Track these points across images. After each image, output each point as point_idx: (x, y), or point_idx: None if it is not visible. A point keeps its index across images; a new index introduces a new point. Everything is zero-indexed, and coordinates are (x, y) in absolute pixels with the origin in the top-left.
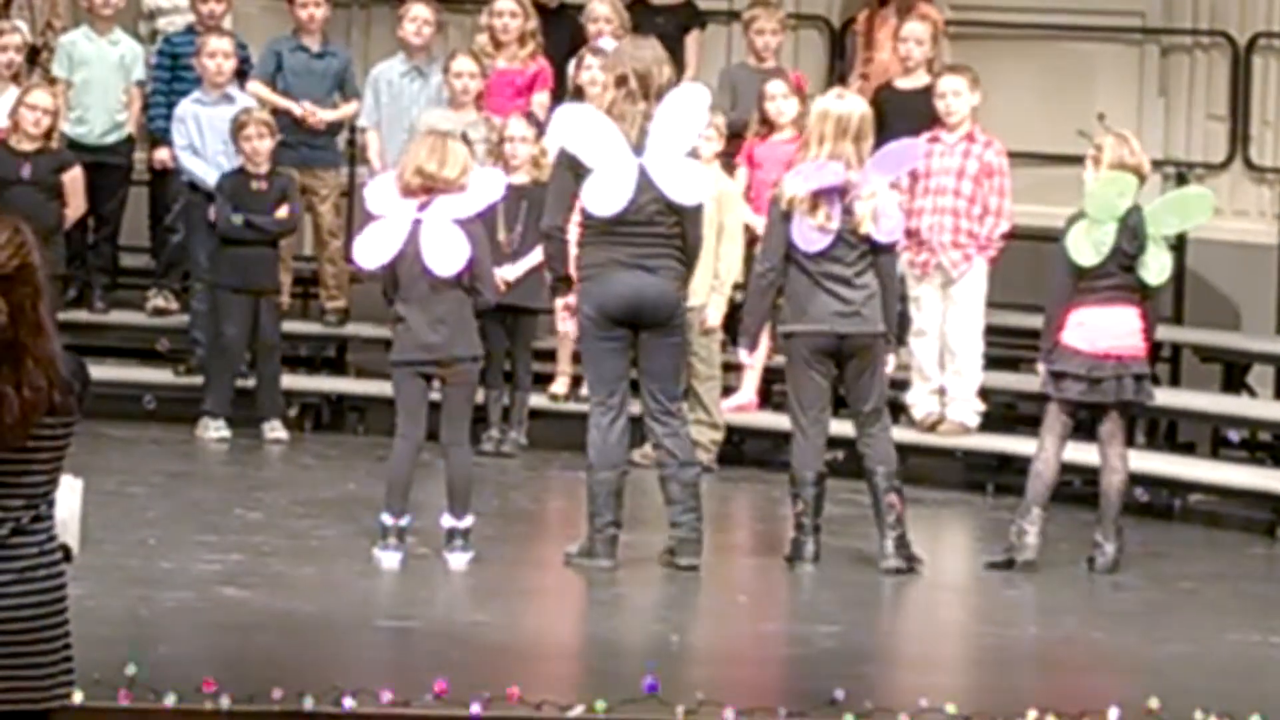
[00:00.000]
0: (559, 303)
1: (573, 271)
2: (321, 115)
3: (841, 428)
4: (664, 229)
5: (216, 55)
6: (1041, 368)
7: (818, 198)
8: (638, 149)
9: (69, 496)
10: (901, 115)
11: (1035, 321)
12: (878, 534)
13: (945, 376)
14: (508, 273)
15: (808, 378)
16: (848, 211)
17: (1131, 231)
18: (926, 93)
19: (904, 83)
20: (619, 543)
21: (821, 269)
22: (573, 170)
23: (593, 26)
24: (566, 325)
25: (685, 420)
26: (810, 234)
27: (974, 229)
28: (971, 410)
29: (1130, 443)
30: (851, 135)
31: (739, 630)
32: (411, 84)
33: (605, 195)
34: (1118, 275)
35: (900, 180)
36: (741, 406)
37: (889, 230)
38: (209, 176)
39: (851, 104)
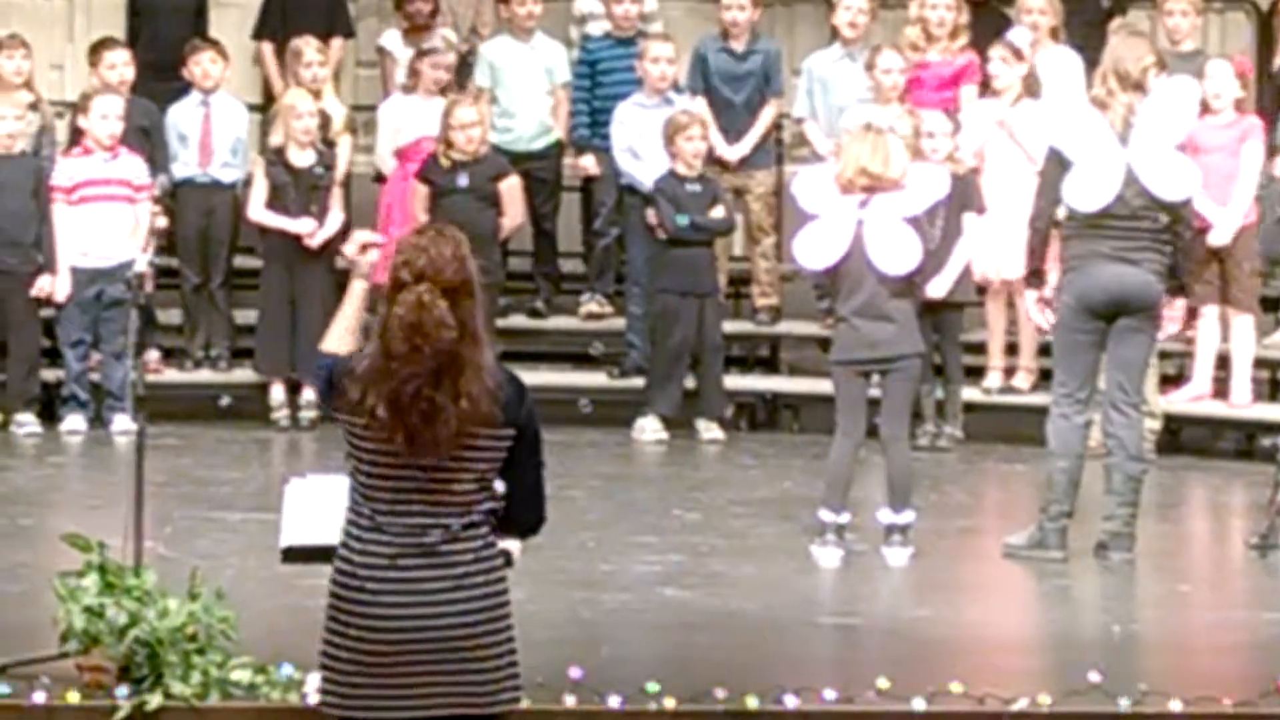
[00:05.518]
0: (1030, 296)
1: (1049, 266)
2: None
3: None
4: (1149, 224)
5: (660, 61)
6: None
7: None
8: (1123, 142)
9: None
10: None
11: None
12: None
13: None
14: (936, 288)
15: None
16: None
17: None
18: None
19: None
20: (1069, 533)
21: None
22: (1060, 164)
23: (1026, 18)
24: (1039, 318)
25: (1143, 415)
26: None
27: None
28: None
29: None
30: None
31: (1182, 620)
32: (844, 72)
33: (1088, 190)
34: None
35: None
36: (1196, 397)
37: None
38: (648, 179)
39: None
